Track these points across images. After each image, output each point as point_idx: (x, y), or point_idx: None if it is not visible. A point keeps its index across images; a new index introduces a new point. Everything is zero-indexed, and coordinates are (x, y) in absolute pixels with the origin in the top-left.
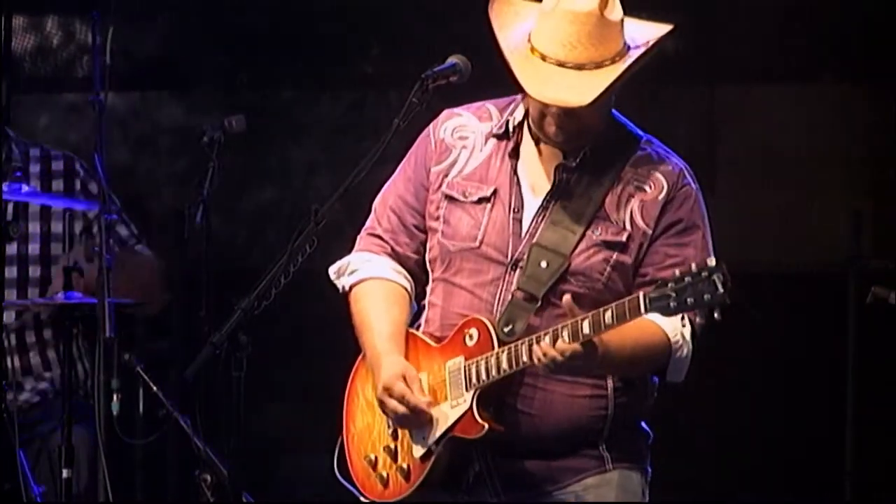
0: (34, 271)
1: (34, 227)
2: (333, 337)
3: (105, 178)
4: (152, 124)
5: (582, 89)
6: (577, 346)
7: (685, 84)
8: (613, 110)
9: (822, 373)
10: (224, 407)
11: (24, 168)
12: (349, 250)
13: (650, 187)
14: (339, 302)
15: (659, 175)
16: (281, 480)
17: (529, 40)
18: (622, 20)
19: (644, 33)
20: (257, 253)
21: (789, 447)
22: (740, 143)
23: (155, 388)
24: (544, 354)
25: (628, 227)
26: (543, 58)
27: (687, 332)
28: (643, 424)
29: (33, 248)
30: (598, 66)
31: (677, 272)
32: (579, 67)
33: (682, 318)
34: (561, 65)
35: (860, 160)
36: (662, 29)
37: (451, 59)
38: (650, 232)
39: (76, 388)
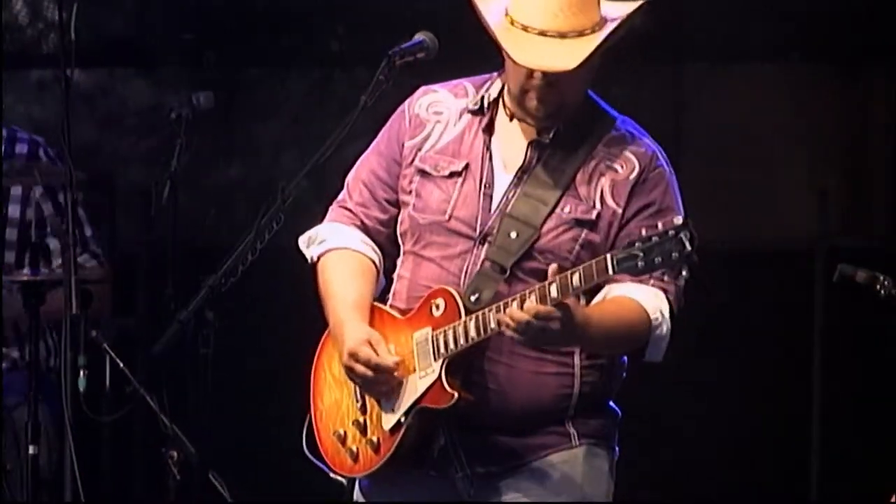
0: (9, 257)
1: (14, 211)
2: (301, 314)
3: (71, 156)
4: (119, 101)
5: (567, 55)
6: (550, 308)
7: (652, 62)
8: (589, 91)
9: (789, 350)
10: (191, 384)
11: None
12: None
13: (621, 167)
14: (307, 278)
15: (631, 155)
16: (248, 457)
17: (507, 14)
18: None
19: (617, 9)
20: (224, 230)
21: (755, 426)
22: (707, 122)
23: (122, 365)
24: (512, 318)
25: (598, 205)
26: (525, 28)
27: (665, 309)
28: (611, 403)
29: (10, 233)
30: (581, 34)
31: (644, 232)
32: (562, 36)
33: (661, 295)
34: (543, 34)
35: (827, 139)
36: (633, 5)
37: (418, 36)
38: (620, 212)
39: (42, 365)
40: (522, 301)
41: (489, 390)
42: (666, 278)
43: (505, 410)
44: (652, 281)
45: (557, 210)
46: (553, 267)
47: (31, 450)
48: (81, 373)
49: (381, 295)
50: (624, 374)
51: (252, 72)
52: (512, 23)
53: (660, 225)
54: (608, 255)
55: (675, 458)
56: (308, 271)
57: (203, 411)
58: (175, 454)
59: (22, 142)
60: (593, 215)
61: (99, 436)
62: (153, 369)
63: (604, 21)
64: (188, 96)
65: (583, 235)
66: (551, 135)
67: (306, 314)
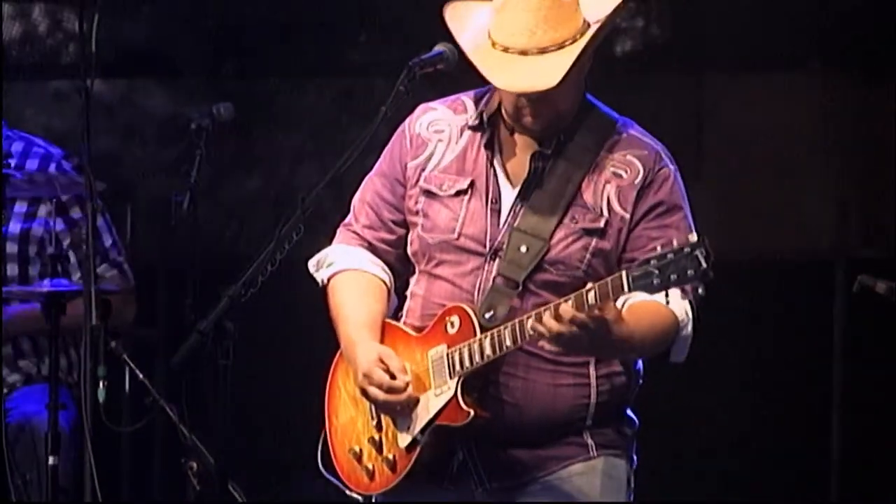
0: (11, 269)
1: (14, 228)
2: (319, 325)
3: (90, 166)
4: (139, 112)
5: (548, 72)
6: (582, 315)
7: (672, 72)
8: (588, 95)
9: (809, 362)
10: (211, 395)
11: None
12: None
13: (626, 172)
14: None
15: (634, 159)
16: (268, 468)
17: (489, 36)
18: None
19: (601, 8)
20: (244, 241)
21: (775, 436)
22: (727, 132)
23: (141, 376)
24: (549, 327)
25: (605, 212)
26: (505, 49)
27: (689, 308)
28: (629, 412)
29: (11, 247)
30: (561, 46)
31: (659, 248)
32: (542, 51)
33: (684, 296)
34: (524, 53)
35: (847, 149)
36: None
37: (438, 47)
38: (628, 217)
39: (63, 379)
40: (538, 319)
41: (506, 405)
42: None
43: (522, 424)
44: (675, 240)
45: (566, 220)
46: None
47: (50, 460)
48: (101, 384)
49: (394, 313)
50: (640, 382)
51: (272, 83)
52: (493, 45)
53: (675, 242)
54: (624, 273)
55: (696, 467)
56: (320, 288)
57: (222, 422)
58: (194, 465)
59: (34, 157)
60: (601, 223)
61: (118, 446)
62: (173, 380)
63: (586, 26)
64: (208, 107)
65: (593, 244)
66: (553, 145)
67: (326, 325)
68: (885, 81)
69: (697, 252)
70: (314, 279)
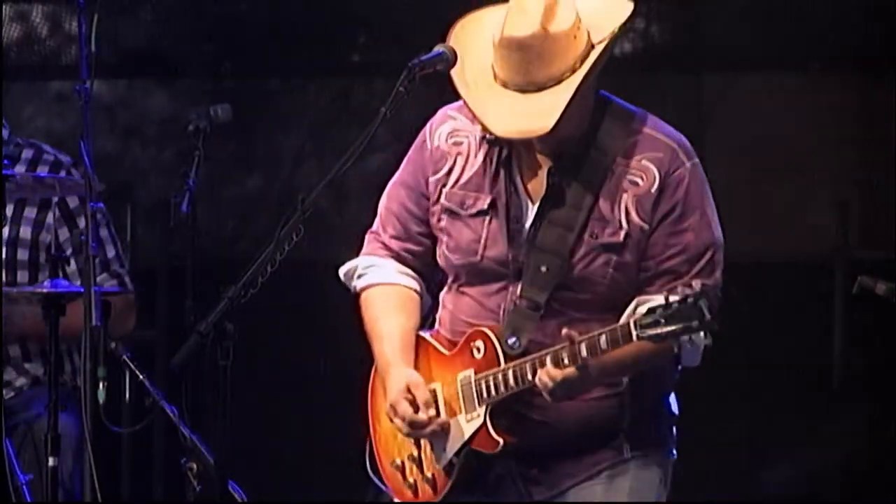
0: (22, 276)
1: (25, 233)
2: (319, 325)
3: (91, 167)
4: (139, 113)
5: (545, 112)
6: (571, 370)
7: (672, 72)
8: (602, 91)
9: (809, 363)
10: (210, 395)
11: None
12: (336, 239)
13: (642, 179)
14: (327, 290)
15: (650, 164)
16: (268, 468)
17: (493, 68)
18: (575, 19)
19: (607, 17)
20: (243, 242)
21: (775, 435)
22: (728, 133)
23: (141, 377)
24: (550, 381)
25: (625, 224)
26: (505, 85)
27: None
28: (670, 401)
29: (22, 253)
30: (559, 81)
31: (665, 296)
32: (540, 88)
33: None
34: (522, 91)
35: (848, 150)
36: (623, 10)
37: (438, 48)
38: (647, 227)
39: (63, 380)
40: (556, 359)
41: (539, 424)
42: (696, 283)
43: (557, 440)
44: (680, 288)
45: (585, 236)
46: (565, 331)
47: (50, 462)
48: (101, 385)
49: (430, 313)
50: (680, 367)
51: (271, 83)
52: (495, 78)
53: (680, 288)
54: (631, 322)
55: (696, 467)
56: (329, 284)
57: (222, 422)
58: (194, 465)
59: (44, 164)
60: (621, 237)
61: (119, 447)
62: (173, 381)
63: (588, 48)
64: (206, 109)
65: (614, 259)
66: (570, 158)
67: (326, 325)
68: (885, 81)
69: (701, 303)
70: (314, 280)
